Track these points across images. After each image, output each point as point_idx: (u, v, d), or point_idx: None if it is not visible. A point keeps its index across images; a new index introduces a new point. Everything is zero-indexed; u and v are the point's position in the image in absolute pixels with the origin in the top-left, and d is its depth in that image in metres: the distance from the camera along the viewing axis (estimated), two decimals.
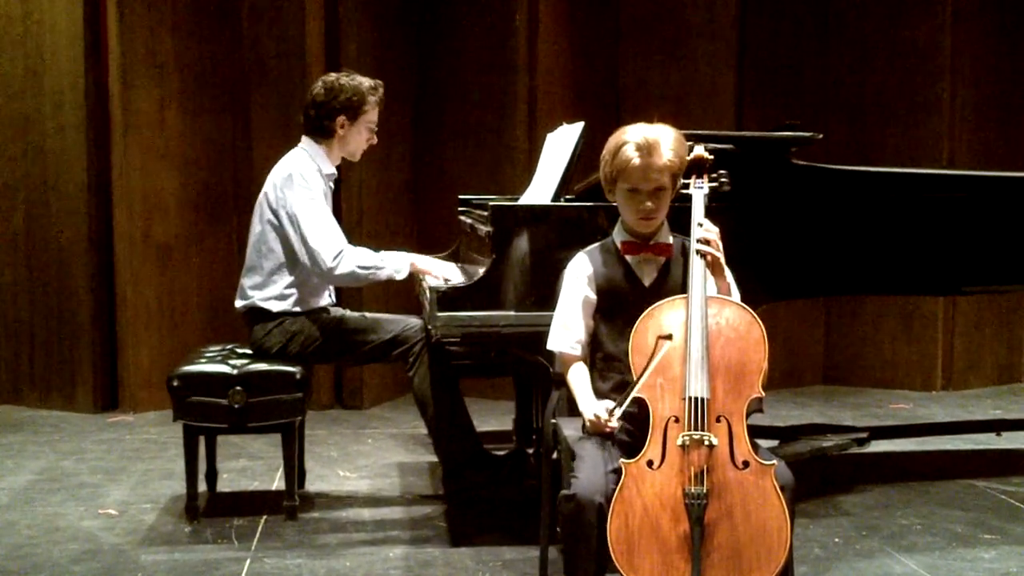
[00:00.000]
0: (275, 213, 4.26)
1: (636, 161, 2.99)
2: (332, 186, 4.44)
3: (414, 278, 4.34)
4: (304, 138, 4.39)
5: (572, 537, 2.79)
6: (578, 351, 3.11)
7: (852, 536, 4.06)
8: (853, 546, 3.96)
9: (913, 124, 6.68)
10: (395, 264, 4.24)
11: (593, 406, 2.93)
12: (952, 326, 6.82)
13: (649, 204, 3.03)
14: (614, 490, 2.78)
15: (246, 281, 4.35)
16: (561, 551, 3.00)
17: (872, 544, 3.98)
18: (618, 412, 2.83)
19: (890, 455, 5.19)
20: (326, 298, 4.40)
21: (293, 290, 4.28)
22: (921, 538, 4.05)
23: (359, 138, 4.39)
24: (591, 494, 2.75)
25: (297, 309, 4.29)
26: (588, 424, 2.93)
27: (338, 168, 4.48)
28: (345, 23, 6.18)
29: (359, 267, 4.19)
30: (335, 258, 4.15)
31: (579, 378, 3.09)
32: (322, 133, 4.35)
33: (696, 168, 3.16)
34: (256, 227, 4.35)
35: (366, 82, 4.35)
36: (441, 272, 4.22)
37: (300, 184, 4.22)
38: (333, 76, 4.38)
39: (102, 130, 6.04)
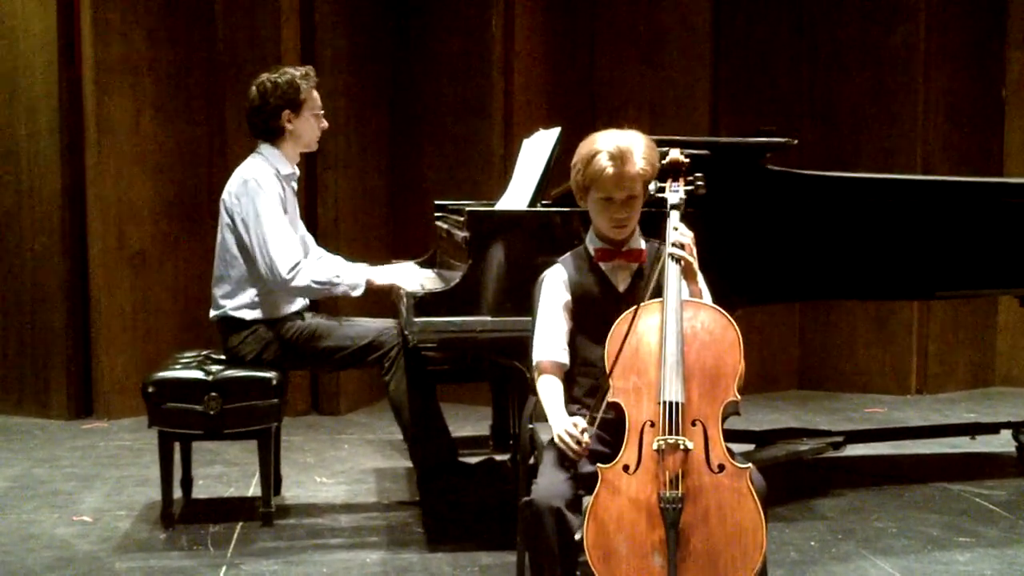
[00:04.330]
0: (232, 220, 4.25)
1: (609, 170, 2.98)
2: (295, 186, 4.43)
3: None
4: (260, 143, 4.37)
5: (533, 543, 2.81)
6: (564, 358, 3.07)
7: (828, 540, 4.08)
8: (829, 549, 3.97)
9: (887, 130, 6.72)
10: (351, 280, 4.22)
11: (563, 423, 2.85)
12: (926, 330, 6.85)
13: (623, 212, 3.03)
14: (575, 495, 2.79)
15: (216, 291, 4.33)
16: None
17: (848, 547, 4.00)
18: (590, 431, 2.80)
19: (865, 459, 5.21)
20: (299, 303, 4.38)
21: (264, 297, 4.26)
22: (896, 541, 4.07)
23: (310, 127, 4.36)
24: (549, 499, 2.76)
25: (270, 316, 4.27)
26: (558, 443, 2.84)
27: (311, 171, 4.45)
28: (320, 28, 6.17)
29: (314, 281, 4.18)
30: (291, 271, 4.14)
31: (551, 392, 3.01)
32: (272, 134, 4.32)
33: (672, 172, 3.15)
34: (219, 235, 4.33)
35: (297, 71, 4.33)
36: (404, 281, 4.20)
37: (255, 190, 4.20)
38: (263, 77, 4.33)
39: (76, 135, 6.01)
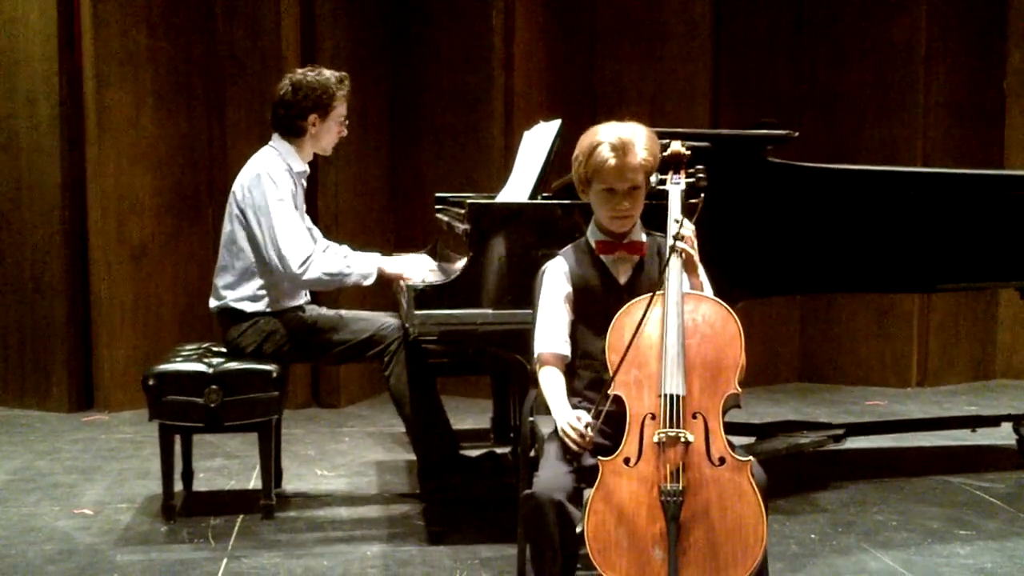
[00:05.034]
0: (243, 212, 4.24)
1: (612, 161, 2.98)
2: (304, 183, 4.42)
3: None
4: (274, 136, 4.35)
5: (534, 536, 2.81)
6: (566, 350, 3.07)
7: (828, 532, 4.08)
8: (829, 542, 3.98)
9: (887, 122, 6.72)
10: (362, 269, 4.21)
11: (567, 416, 2.86)
12: (927, 323, 6.86)
13: (625, 204, 3.03)
14: (576, 488, 2.79)
15: (218, 281, 4.32)
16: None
17: (848, 540, 4.00)
18: (595, 425, 2.79)
19: (866, 452, 5.21)
20: (301, 298, 4.37)
21: (266, 291, 4.26)
22: (897, 534, 4.08)
23: (330, 133, 4.35)
24: (550, 492, 2.75)
25: (271, 309, 4.27)
26: (562, 437, 2.85)
27: (312, 165, 4.46)
28: (321, 21, 6.16)
29: (325, 273, 4.17)
30: (302, 264, 4.13)
31: (553, 384, 3.01)
32: (293, 131, 4.31)
33: (673, 164, 3.14)
34: (226, 226, 4.32)
35: (333, 76, 4.30)
36: (412, 272, 4.19)
37: (268, 184, 4.19)
38: (300, 73, 4.32)
39: (76, 129, 6.01)
